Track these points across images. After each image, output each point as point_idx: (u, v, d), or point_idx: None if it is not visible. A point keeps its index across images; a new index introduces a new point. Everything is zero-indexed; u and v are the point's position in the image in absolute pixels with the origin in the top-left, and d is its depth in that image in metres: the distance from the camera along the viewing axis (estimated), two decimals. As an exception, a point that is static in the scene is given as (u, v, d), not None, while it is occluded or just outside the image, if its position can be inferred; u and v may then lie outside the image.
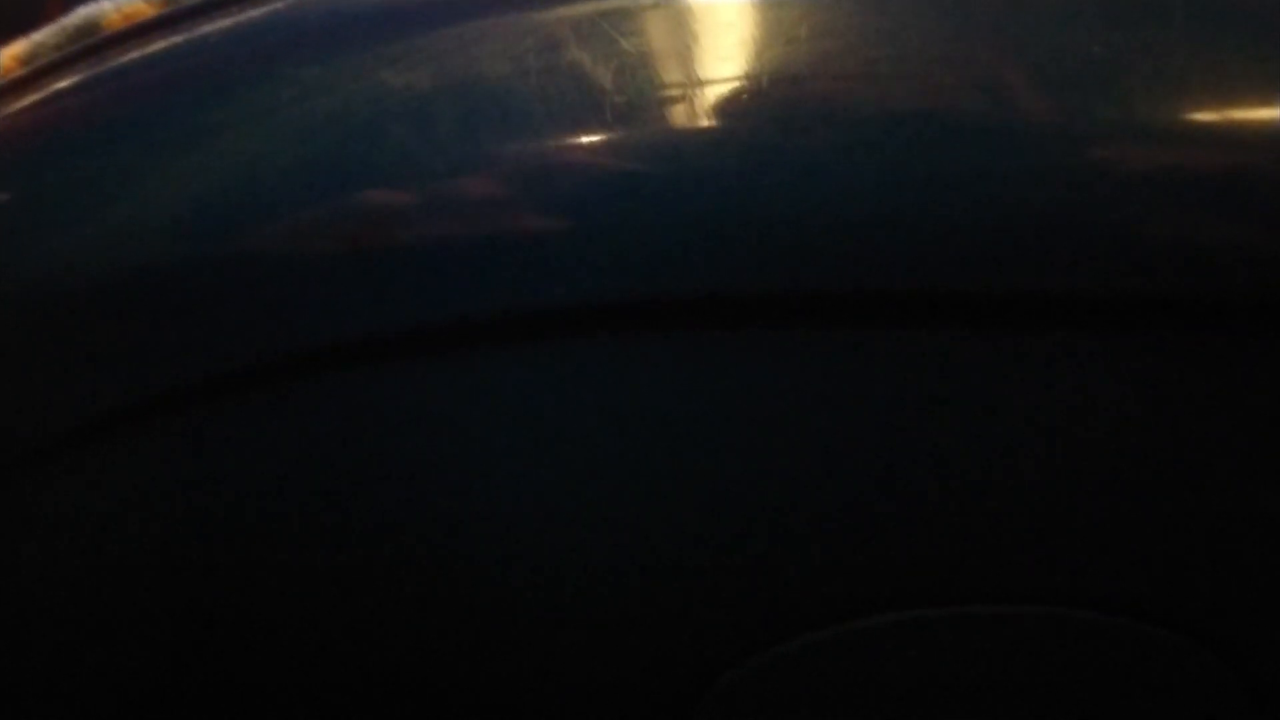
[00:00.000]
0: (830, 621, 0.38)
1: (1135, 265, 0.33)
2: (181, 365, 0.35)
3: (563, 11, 0.34)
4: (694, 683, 0.39)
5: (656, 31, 0.34)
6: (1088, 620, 0.38)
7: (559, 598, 0.39)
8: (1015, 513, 0.37)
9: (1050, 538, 0.37)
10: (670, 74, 0.33)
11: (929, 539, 0.37)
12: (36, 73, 0.38)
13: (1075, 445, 0.36)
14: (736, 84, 0.33)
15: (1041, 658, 0.39)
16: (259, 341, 0.35)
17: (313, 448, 0.37)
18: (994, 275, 0.33)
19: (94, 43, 0.38)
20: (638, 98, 0.33)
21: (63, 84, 0.37)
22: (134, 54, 0.37)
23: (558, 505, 0.37)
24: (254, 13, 0.36)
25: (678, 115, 0.33)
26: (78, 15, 0.40)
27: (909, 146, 0.32)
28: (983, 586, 0.38)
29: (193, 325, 0.35)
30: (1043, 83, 0.33)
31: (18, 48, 0.41)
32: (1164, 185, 0.33)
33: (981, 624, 0.39)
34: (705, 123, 0.33)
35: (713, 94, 0.33)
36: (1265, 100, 0.33)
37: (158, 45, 0.36)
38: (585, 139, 0.33)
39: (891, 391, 0.35)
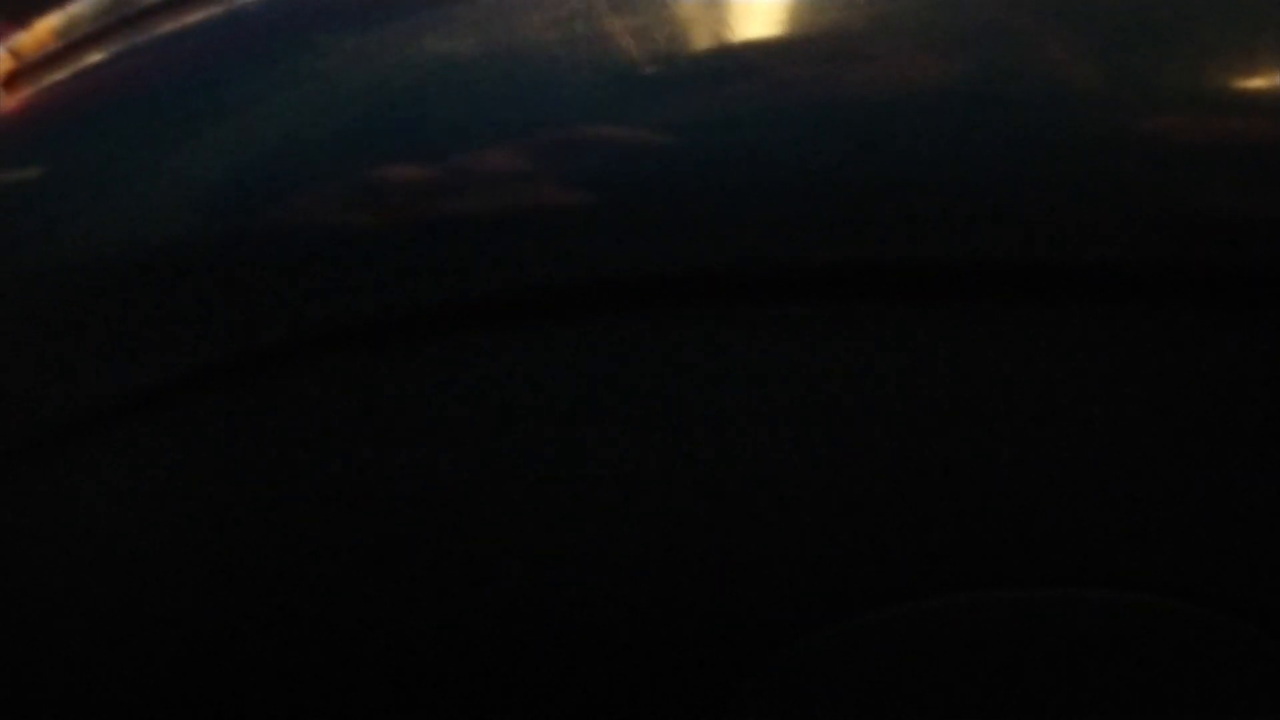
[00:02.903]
0: (879, 605, 0.38)
1: (1185, 237, 0.32)
2: (214, 340, 0.35)
3: None
4: (726, 677, 0.39)
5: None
6: (1136, 602, 0.37)
7: (591, 584, 0.38)
8: (1062, 495, 0.36)
9: (1093, 520, 0.37)
10: (714, 42, 0.32)
11: (982, 521, 0.37)
12: (72, 45, 0.37)
13: (1118, 423, 0.35)
14: (782, 52, 0.32)
15: (1086, 642, 0.39)
16: (291, 316, 0.35)
17: (345, 422, 0.37)
18: (1049, 244, 0.32)
19: (128, 15, 0.37)
20: (678, 68, 0.32)
21: (98, 57, 0.36)
22: (168, 26, 0.36)
23: (587, 488, 0.37)
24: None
25: (721, 85, 0.32)
26: (112, -13, 0.39)
27: (960, 115, 0.31)
28: (1025, 570, 0.38)
29: (226, 299, 0.34)
30: (1098, 52, 0.32)
31: (53, 20, 0.40)
32: (1215, 155, 0.32)
33: (1026, 607, 0.38)
34: (752, 92, 0.32)
35: (757, 63, 0.32)
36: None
37: (191, 18, 0.36)
38: (628, 110, 0.33)
39: (940, 369, 0.35)
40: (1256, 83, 0.32)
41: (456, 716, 0.41)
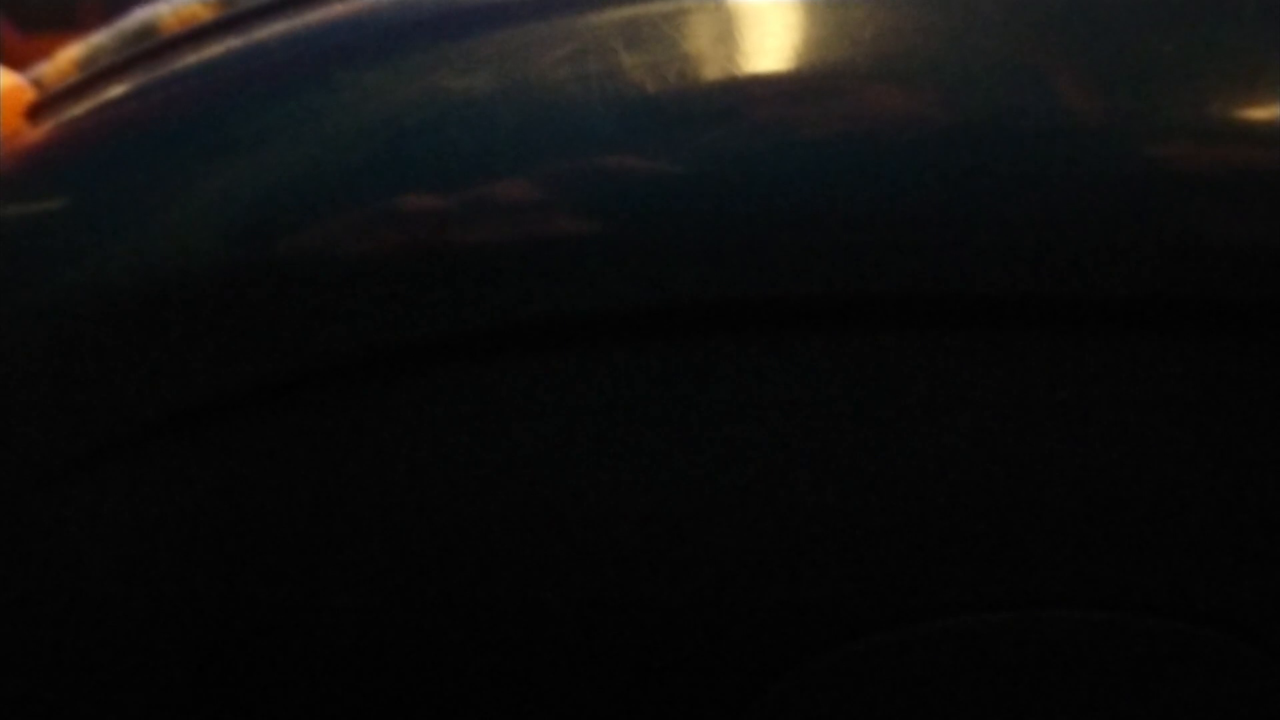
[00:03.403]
0: (886, 627, 0.38)
1: (1195, 267, 0.33)
2: (235, 370, 0.35)
3: (614, 14, 0.34)
4: (733, 698, 0.39)
5: (710, 33, 0.34)
6: (1134, 623, 0.38)
7: (612, 603, 0.39)
8: (1069, 515, 0.37)
9: (1093, 539, 0.37)
10: (729, 77, 0.33)
11: (996, 541, 0.37)
12: (93, 77, 0.38)
13: (1126, 446, 0.36)
14: (796, 87, 0.33)
15: (1084, 661, 0.39)
16: (311, 346, 0.35)
17: (367, 451, 0.37)
18: (1060, 277, 0.33)
19: (150, 46, 0.38)
20: (695, 101, 0.33)
21: (120, 89, 0.37)
22: (190, 58, 0.37)
23: (609, 509, 0.37)
24: (310, 17, 0.36)
25: (736, 119, 0.33)
26: (134, 19, 0.40)
27: (970, 150, 0.32)
28: (1031, 591, 0.38)
29: (247, 328, 0.35)
30: (1108, 84, 0.32)
31: (75, 51, 0.41)
32: (1226, 187, 0.32)
33: (1032, 628, 0.38)
34: (762, 126, 0.33)
35: (772, 97, 0.33)
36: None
37: (214, 49, 0.36)
38: (642, 143, 0.33)
39: (954, 395, 0.35)
40: (1261, 112, 0.32)
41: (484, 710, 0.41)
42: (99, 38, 0.40)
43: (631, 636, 0.39)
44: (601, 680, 0.40)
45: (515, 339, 0.35)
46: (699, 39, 0.33)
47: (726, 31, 0.33)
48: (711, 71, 0.33)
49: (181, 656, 0.41)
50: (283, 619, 0.40)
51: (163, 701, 0.42)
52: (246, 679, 0.41)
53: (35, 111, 0.38)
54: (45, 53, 0.42)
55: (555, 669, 0.40)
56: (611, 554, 0.38)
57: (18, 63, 0.41)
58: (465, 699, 0.41)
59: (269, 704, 0.41)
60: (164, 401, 0.36)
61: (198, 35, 0.37)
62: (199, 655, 0.41)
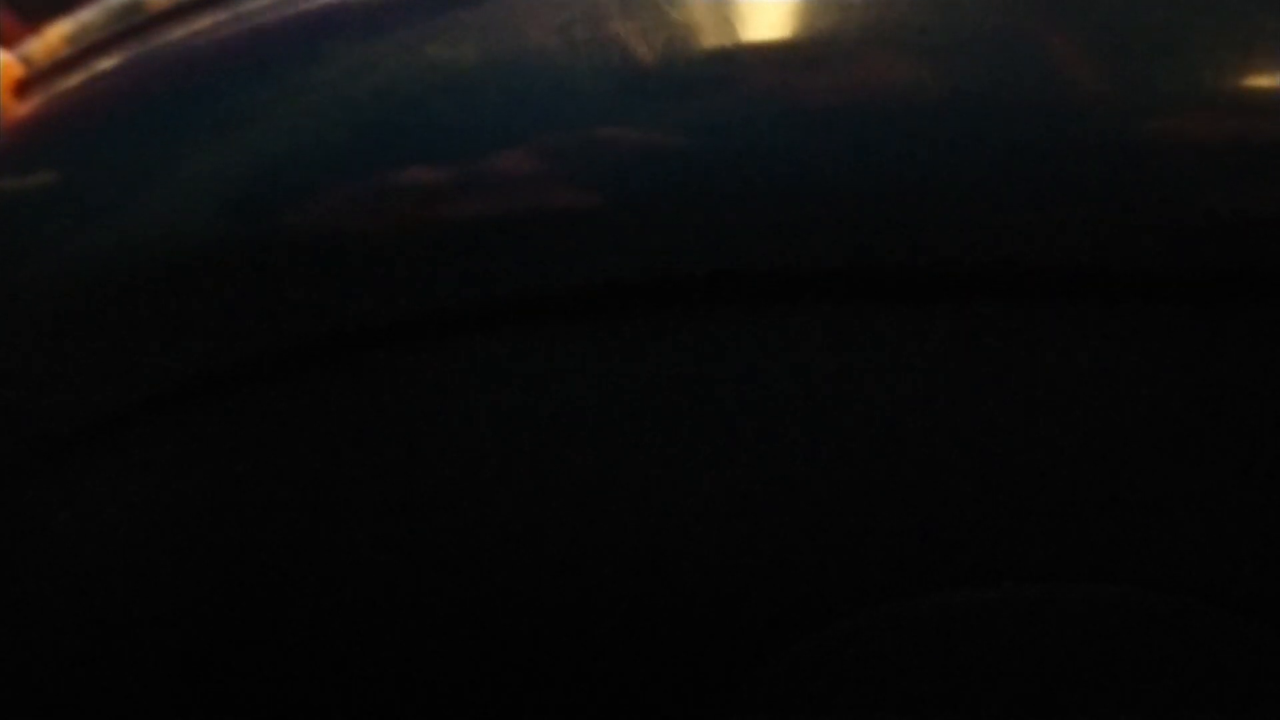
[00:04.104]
0: (881, 602, 0.38)
1: (1202, 241, 0.32)
2: (226, 346, 0.35)
3: None
4: (727, 674, 0.39)
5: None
6: (1143, 600, 0.37)
7: (593, 581, 0.38)
8: (1085, 492, 0.36)
9: (1115, 518, 0.37)
10: (719, 45, 0.33)
11: (992, 517, 0.37)
12: (82, 52, 0.37)
13: (1124, 421, 0.35)
14: (787, 55, 0.32)
15: (1103, 641, 0.39)
16: (303, 322, 0.35)
17: (358, 427, 0.37)
18: (1061, 248, 0.32)
19: (138, 22, 0.37)
20: (685, 71, 0.32)
21: (108, 64, 0.37)
22: (178, 32, 0.36)
23: (599, 485, 0.37)
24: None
25: (727, 88, 0.33)
26: (122, -6, 0.39)
27: (965, 120, 0.32)
28: (1038, 566, 0.38)
29: (237, 306, 0.35)
30: (1103, 54, 0.32)
31: (64, 27, 0.41)
32: (1225, 158, 0.32)
33: (1038, 604, 0.38)
34: (755, 95, 0.32)
35: (763, 66, 0.32)
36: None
37: (202, 23, 0.36)
38: (632, 114, 0.33)
39: (955, 366, 0.35)
40: (1259, 82, 0.32)
41: (464, 700, 0.41)
42: (87, 14, 0.40)
43: (640, 609, 0.39)
44: (606, 650, 0.40)
45: (513, 313, 0.35)
46: (689, 6, 0.33)
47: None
48: (705, 40, 0.33)
49: (174, 636, 0.41)
50: (278, 592, 0.40)
51: (160, 682, 0.42)
52: (237, 659, 0.41)
53: (24, 87, 0.38)
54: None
55: (558, 640, 0.40)
56: (620, 523, 0.38)
57: (16, 51, 0.40)
58: (465, 671, 0.41)
59: (262, 671, 0.41)
60: (160, 376, 0.36)
61: (185, 10, 0.37)
62: (191, 636, 0.41)
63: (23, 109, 0.37)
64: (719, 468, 0.37)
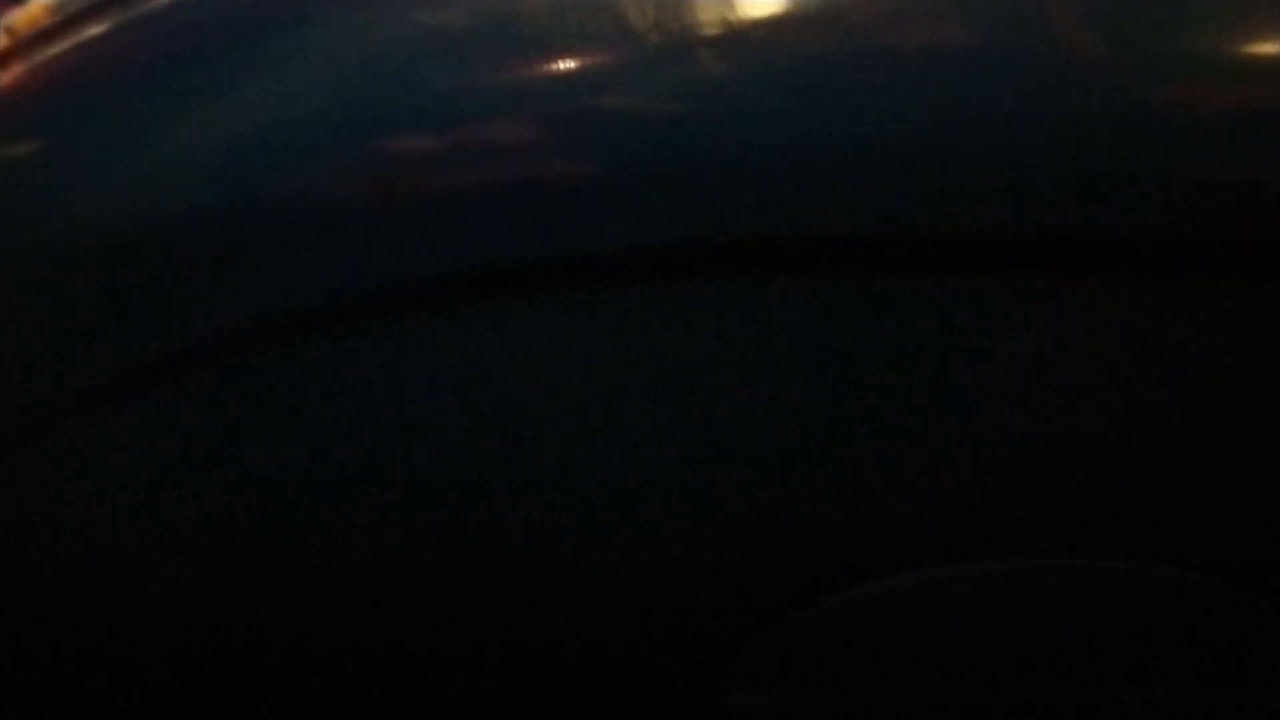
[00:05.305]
0: (877, 577, 0.38)
1: (1203, 207, 0.32)
2: (211, 316, 0.35)
3: None
4: (724, 649, 0.39)
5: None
6: (1137, 572, 0.37)
7: (596, 556, 0.38)
8: (1079, 467, 0.36)
9: (1105, 492, 0.37)
10: (712, 10, 0.32)
11: (990, 492, 0.37)
12: (66, 21, 0.37)
13: (1128, 395, 0.35)
14: (783, 19, 0.32)
15: (1092, 611, 0.39)
16: (288, 291, 0.34)
17: (343, 397, 0.37)
18: (1057, 214, 0.32)
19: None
20: (679, 35, 0.32)
21: (92, 32, 0.36)
22: (163, 1, 0.36)
23: (589, 460, 0.37)
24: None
25: (722, 53, 0.32)
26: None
27: (961, 84, 0.31)
28: (1025, 539, 0.38)
29: (223, 274, 0.34)
30: (1099, 19, 0.32)
31: (47, -2, 0.40)
32: (1223, 124, 0.32)
33: (1028, 576, 0.38)
34: (752, 60, 0.32)
35: (760, 30, 0.32)
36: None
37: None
38: (623, 80, 0.32)
39: (952, 342, 0.35)
40: (1260, 49, 0.32)
41: (458, 683, 0.41)
42: (71, -17, 0.39)
43: (635, 582, 0.39)
44: (575, 640, 0.40)
45: (505, 283, 0.35)
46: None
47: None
48: (698, 4, 0.32)
49: (153, 631, 0.41)
50: (276, 562, 0.39)
51: (165, 655, 0.41)
52: (215, 657, 0.41)
53: (7, 56, 0.37)
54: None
55: (549, 622, 0.40)
56: (598, 508, 0.38)
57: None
58: (459, 659, 0.41)
59: (244, 685, 0.41)
60: (145, 345, 0.35)
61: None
62: (170, 631, 0.41)
63: (5, 78, 0.37)
64: (707, 443, 0.37)
